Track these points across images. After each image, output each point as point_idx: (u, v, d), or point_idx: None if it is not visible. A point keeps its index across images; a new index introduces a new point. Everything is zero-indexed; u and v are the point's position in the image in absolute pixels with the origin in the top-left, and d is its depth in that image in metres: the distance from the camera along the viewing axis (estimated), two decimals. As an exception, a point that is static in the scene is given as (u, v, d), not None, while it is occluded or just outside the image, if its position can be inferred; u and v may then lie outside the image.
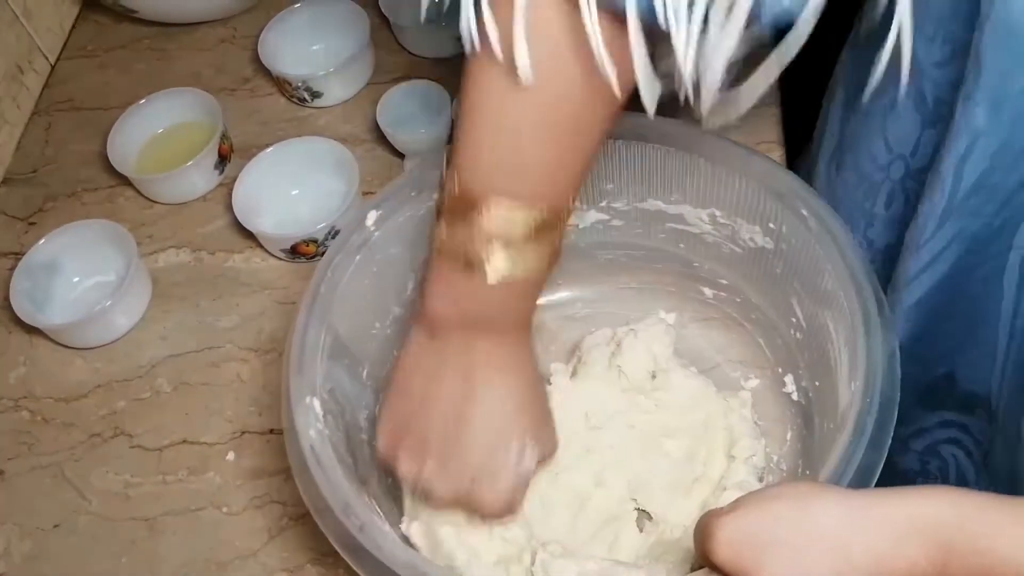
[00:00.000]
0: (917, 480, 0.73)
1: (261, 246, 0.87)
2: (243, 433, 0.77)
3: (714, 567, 0.47)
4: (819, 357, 0.65)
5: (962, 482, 0.70)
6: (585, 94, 0.50)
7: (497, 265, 0.53)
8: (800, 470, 0.67)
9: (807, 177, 0.72)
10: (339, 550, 0.54)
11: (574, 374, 0.72)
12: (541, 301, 0.76)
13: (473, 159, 0.53)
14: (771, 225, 0.66)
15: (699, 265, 0.74)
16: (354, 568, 0.54)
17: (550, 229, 0.54)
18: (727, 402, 0.70)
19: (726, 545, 0.46)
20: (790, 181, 0.64)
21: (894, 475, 0.53)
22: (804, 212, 0.62)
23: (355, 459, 0.63)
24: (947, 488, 0.45)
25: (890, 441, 0.54)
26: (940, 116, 0.57)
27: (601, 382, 0.70)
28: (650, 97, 0.50)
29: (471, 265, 0.54)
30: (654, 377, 0.70)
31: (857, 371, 0.56)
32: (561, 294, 0.79)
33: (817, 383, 0.66)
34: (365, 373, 0.68)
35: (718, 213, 0.69)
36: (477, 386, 0.57)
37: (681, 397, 0.70)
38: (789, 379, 0.70)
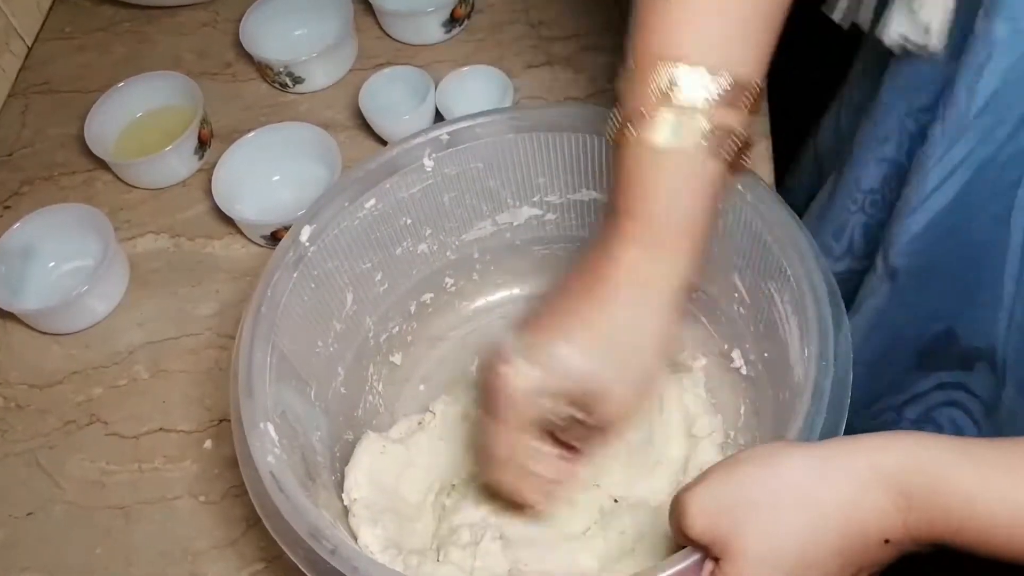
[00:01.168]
0: None
1: (241, 232, 0.86)
2: (221, 421, 0.75)
3: (692, 542, 0.47)
4: (766, 329, 0.65)
5: None
6: None
7: (676, 125, 0.50)
8: (758, 443, 0.66)
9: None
10: (310, 575, 0.53)
11: None
12: (480, 303, 0.77)
13: (657, 25, 0.51)
14: None
15: None
16: None
17: (734, 104, 0.50)
18: (681, 382, 0.70)
19: (700, 516, 0.46)
20: None
21: None
22: (740, 187, 0.62)
23: (313, 482, 0.61)
24: (908, 433, 0.46)
25: (849, 399, 0.53)
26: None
27: None
28: None
29: (648, 120, 0.50)
30: None
31: (810, 336, 0.56)
32: (501, 293, 0.78)
33: (766, 355, 0.66)
34: (313, 393, 0.66)
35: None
36: (622, 300, 0.53)
37: None
38: (736, 354, 0.69)
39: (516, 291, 0.78)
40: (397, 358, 0.75)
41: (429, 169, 0.69)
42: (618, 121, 0.52)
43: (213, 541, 0.70)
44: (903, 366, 0.56)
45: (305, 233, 0.65)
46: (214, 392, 0.77)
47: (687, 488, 0.47)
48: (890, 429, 0.52)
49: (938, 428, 0.71)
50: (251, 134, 0.87)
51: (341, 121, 0.93)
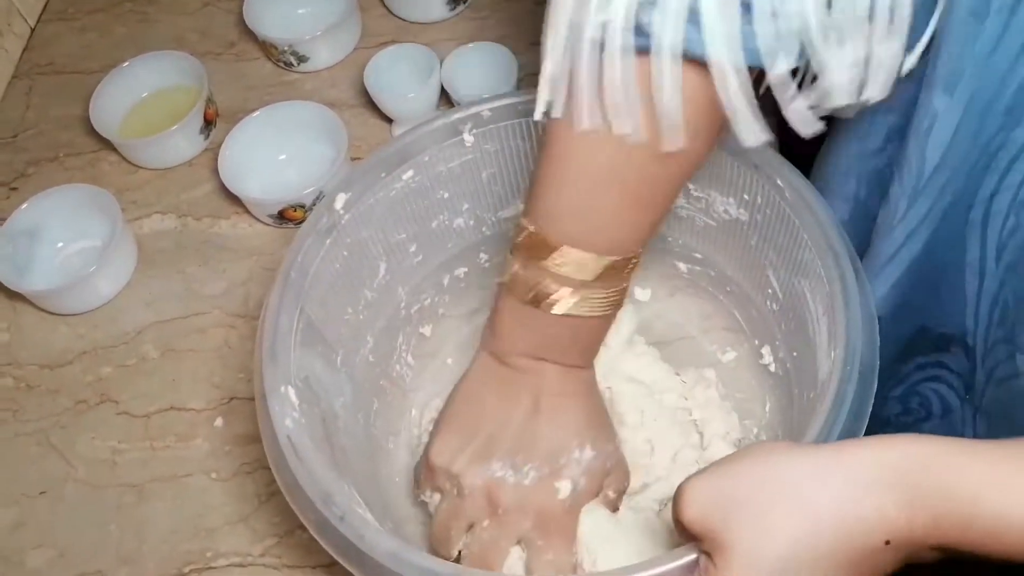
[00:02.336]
0: (900, 419, 0.73)
1: (248, 212, 0.85)
2: (232, 399, 0.76)
3: (687, 532, 0.47)
4: (796, 327, 0.64)
5: (947, 411, 0.70)
6: (655, 147, 0.51)
7: (566, 303, 0.56)
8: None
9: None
10: (320, 541, 0.53)
11: None
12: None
13: (549, 206, 0.55)
14: (745, 196, 0.65)
15: (673, 240, 0.73)
16: (336, 558, 0.53)
17: (618, 272, 0.56)
18: (691, 388, 0.69)
19: (694, 506, 0.46)
20: (764, 152, 0.63)
21: (875, 423, 0.53)
22: (779, 182, 0.62)
23: (332, 448, 0.61)
24: (911, 435, 0.44)
25: (870, 409, 0.53)
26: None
27: None
28: (753, 137, 0.51)
29: (539, 300, 0.56)
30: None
31: (837, 340, 0.55)
32: None
33: (795, 354, 0.65)
34: (339, 360, 0.66)
35: (691, 186, 0.68)
36: (544, 408, 0.59)
37: (639, 390, 0.69)
38: (766, 350, 0.69)
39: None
40: (427, 330, 0.75)
41: (469, 144, 0.68)
42: (518, 277, 0.57)
43: (225, 518, 0.70)
44: (887, 362, 0.56)
45: (340, 200, 0.64)
46: (223, 370, 0.77)
47: (689, 477, 0.47)
48: (875, 411, 0.53)
49: (924, 399, 0.71)
50: (257, 113, 0.86)
51: (346, 100, 0.92)
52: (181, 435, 0.75)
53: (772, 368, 0.69)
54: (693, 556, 0.47)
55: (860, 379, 0.53)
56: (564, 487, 0.59)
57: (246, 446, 0.73)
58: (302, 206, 0.82)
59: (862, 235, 0.64)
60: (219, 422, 0.75)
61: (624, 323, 0.69)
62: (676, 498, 0.47)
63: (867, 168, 0.63)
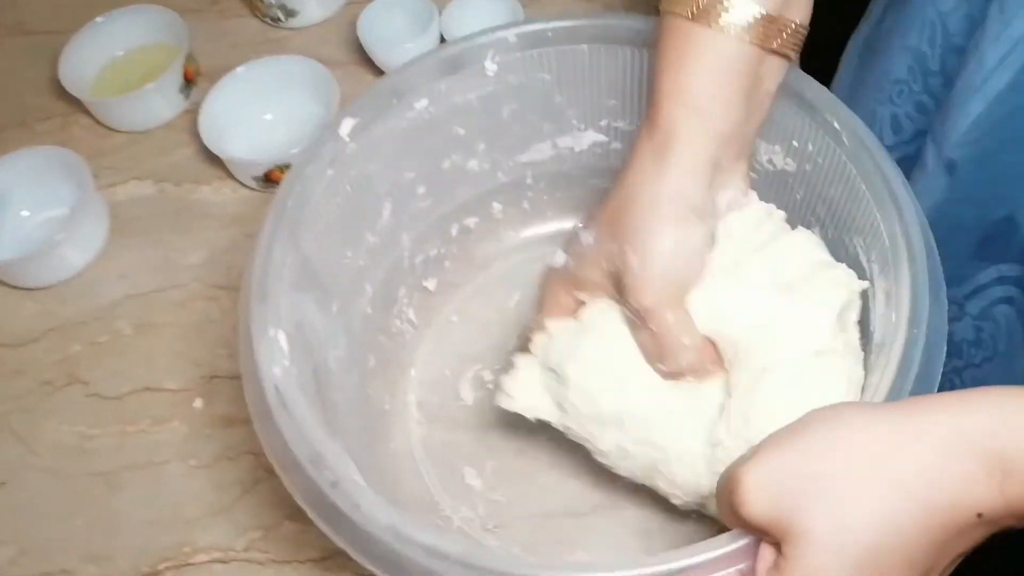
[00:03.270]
0: (971, 351, 0.67)
1: (231, 176, 0.80)
2: (212, 378, 0.70)
3: (747, 526, 0.40)
4: None
5: (1012, 348, 0.64)
6: None
7: (741, 14, 0.48)
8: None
9: None
10: (307, 510, 0.47)
11: None
12: (527, 234, 0.72)
13: None
14: (795, 143, 0.59)
15: None
16: (325, 532, 0.47)
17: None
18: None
19: (758, 493, 0.39)
20: (820, 92, 0.57)
21: (948, 346, 0.49)
22: (836, 125, 0.56)
23: (324, 405, 0.56)
24: (985, 390, 0.40)
25: (940, 374, 0.48)
26: None
27: None
28: None
29: (708, 13, 0.48)
30: None
31: (899, 301, 0.50)
32: (551, 226, 0.72)
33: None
34: (336, 308, 0.61)
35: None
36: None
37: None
38: None
39: (568, 225, 0.71)
40: (432, 284, 0.70)
41: (491, 74, 0.62)
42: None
43: (205, 508, 0.65)
44: (963, 256, 0.53)
45: (346, 126, 0.59)
46: (204, 347, 0.72)
47: (740, 462, 0.41)
48: (950, 327, 0.49)
49: (996, 326, 0.65)
50: (240, 68, 0.80)
51: (338, 56, 0.86)
52: (157, 418, 0.69)
53: None
54: (745, 541, 0.41)
55: (927, 345, 0.48)
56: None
57: (228, 429, 0.68)
58: (289, 167, 0.75)
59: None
60: (199, 403, 0.69)
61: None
62: (729, 489, 0.40)
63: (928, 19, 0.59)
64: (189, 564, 0.62)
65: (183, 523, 0.64)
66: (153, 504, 0.65)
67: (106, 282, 0.76)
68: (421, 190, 0.65)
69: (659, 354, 0.52)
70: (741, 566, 0.41)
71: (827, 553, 0.37)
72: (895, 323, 0.50)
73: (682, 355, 0.51)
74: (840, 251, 0.57)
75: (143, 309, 0.74)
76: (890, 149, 0.60)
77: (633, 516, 0.60)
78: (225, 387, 0.70)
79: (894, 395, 0.47)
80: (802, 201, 0.60)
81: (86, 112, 0.85)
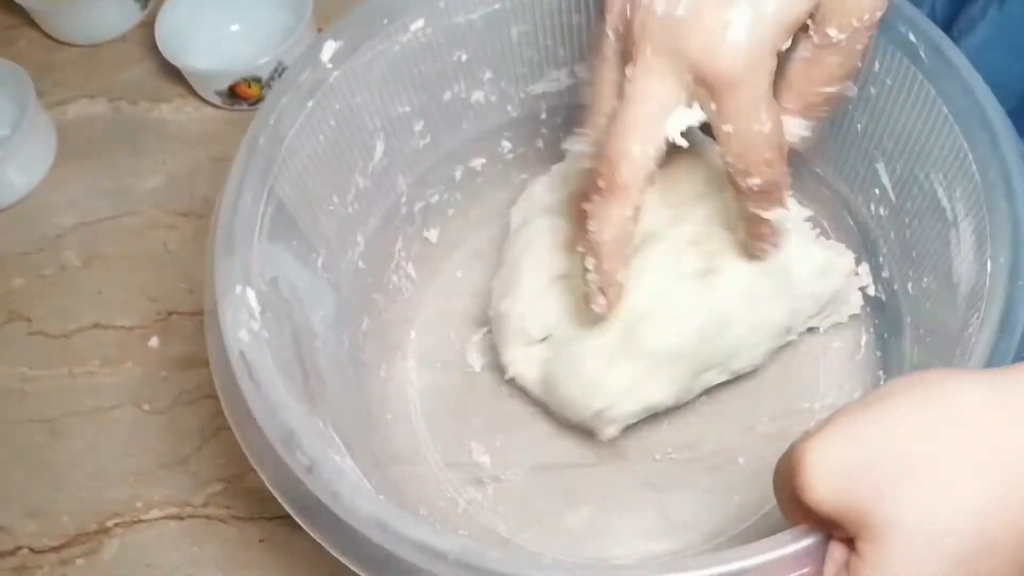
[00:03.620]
0: None
1: (193, 92, 0.74)
2: (170, 314, 0.65)
3: (813, 516, 0.33)
4: (914, 237, 0.52)
5: None
6: None
7: None
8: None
9: None
10: (279, 498, 0.41)
11: None
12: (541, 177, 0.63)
13: None
14: (857, 62, 0.51)
15: None
16: (302, 525, 0.40)
17: None
18: None
19: (828, 476, 0.32)
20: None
21: None
22: (912, 38, 0.48)
23: (307, 376, 0.50)
24: None
25: None
26: None
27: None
28: None
29: None
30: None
31: (996, 244, 0.43)
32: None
33: (911, 271, 0.53)
34: (320, 262, 0.55)
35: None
36: None
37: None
38: (863, 270, 0.57)
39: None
40: (433, 234, 0.63)
41: None
42: None
43: (160, 459, 0.60)
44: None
45: (328, 50, 0.51)
46: (160, 280, 0.67)
47: (804, 438, 0.34)
48: None
49: None
50: (203, -28, 0.73)
51: (313, -37, 0.79)
52: (107, 359, 0.64)
53: (871, 291, 0.56)
54: (811, 540, 0.34)
55: None
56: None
57: (187, 371, 0.62)
58: (257, 80, 0.69)
59: None
60: (154, 342, 0.64)
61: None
62: (792, 471, 0.33)
63: None
64: (141, 521, 0.58)
65: (134, 475, 0.60)
66: (102, 454, 0.61)
67: (52, 209, 0.70)
68: (418, 126, 0.59)
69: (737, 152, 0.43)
70: (805, 570, 0.34)
71: (917, 550, 0.30)
72: (992, 274, 0.43)
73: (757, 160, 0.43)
74: (913, 190, 0.51)
75: (93, 239, 0.69)
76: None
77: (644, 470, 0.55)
78: (184, 325, 0.64)
79: (996, 359, 0.40)
80: (864, 133, 0.53)
81: (33, 24, 0.79)
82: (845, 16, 0.42)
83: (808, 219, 0.56)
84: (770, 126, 0.42)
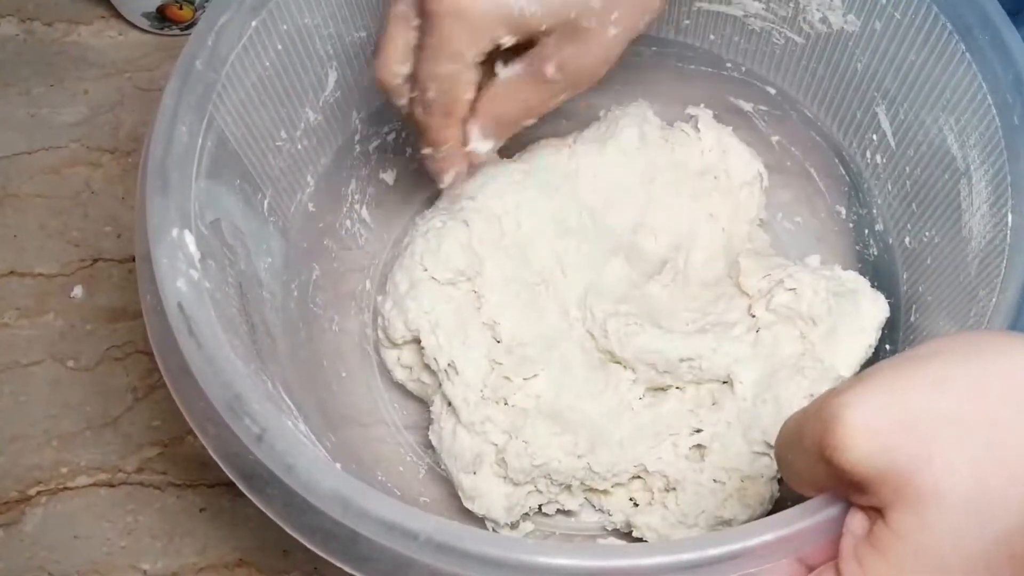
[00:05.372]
0: None
1: (117, 14, 0.69)
2: (95, 261, 0.62)
3: (844, 476, 0.30)
4: (916, 188, 0.49)
5: None
6: None
7: None
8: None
9: None
10: (226, 469, 0.37)
11: None
12: None
13: None
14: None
15: (734, 65, 0.57)
16: (254, 501, 0.37)
17: None
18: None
19: (867, 435, 0.29)
20: None
21: None
22: None
23: (254, 331, 0.47)
24: None
25: None
26: None
27: None
28: None
29: None
30: None
31: (1020, 195, 0.41)
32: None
33: (909, 225, 0.51)
34: (267, 204, 0.51)
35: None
36: None
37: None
38: (853, 221, 0.56)
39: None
40: (389, 176, 0.60)
41: None
42: None
43: (87, 420, 0.57)
44: None
45: None
46: (84, 223, 0.63)
47: (835, 393, 0.31)
48: None
49: None
50: None
51: None
52: (25, 310, 0.61)
53: (872, 251, 0.55)
54: (834, 509, 0.31)
55: None
56: None
57: (116, 323, 0.60)
58: (190, 0, 0.63)
59: None
60: (78, 292, 0.61)
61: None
62: (823, 428, 0.30)
63: None
64: (67, 488, 0.55)
65: (59, 438, 0.57)
66: (21, 415, 0.58)
67: (-42, 142, 0.65)
68: (375, 55, 0.55)
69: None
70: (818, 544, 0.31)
71: (960, 523, 0.27)
72: (1014, 228, 0.41)
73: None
74: (917, 136, 0.48)
75: (5, 176, 0.65)
76: None
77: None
78: (112, 272, 0.61)
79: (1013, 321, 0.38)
80: (865, 72, 0.50)
81: (-69, -67, 0.71)
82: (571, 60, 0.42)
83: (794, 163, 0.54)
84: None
